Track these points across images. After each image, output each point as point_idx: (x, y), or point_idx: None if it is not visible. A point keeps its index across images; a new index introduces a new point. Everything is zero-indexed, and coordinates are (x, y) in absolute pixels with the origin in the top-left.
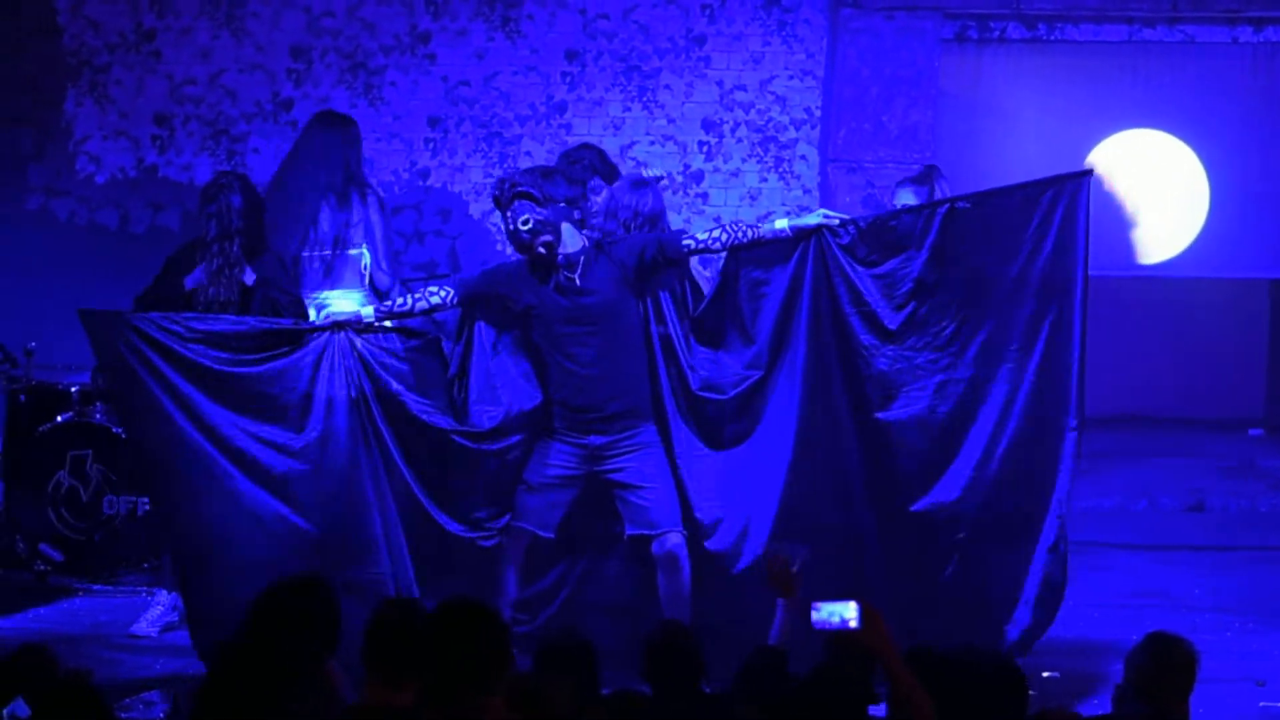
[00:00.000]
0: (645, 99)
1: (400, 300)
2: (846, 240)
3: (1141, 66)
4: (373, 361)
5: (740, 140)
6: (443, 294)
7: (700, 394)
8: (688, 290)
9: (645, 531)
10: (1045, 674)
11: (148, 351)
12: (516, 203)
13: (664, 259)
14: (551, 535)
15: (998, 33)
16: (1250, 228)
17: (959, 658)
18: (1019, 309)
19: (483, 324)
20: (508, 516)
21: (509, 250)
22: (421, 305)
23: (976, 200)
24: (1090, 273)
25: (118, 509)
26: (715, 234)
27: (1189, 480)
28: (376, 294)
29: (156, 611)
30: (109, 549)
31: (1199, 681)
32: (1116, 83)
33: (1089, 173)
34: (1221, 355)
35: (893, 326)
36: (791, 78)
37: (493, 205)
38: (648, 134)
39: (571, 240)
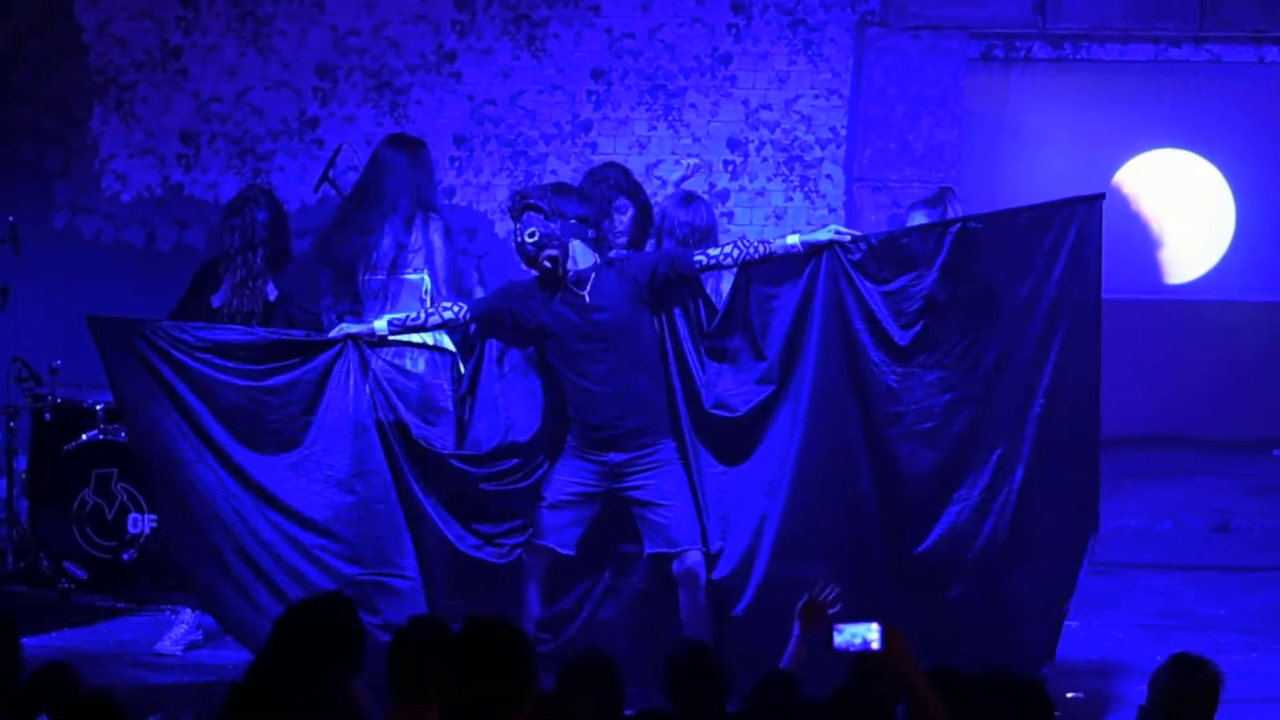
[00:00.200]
0: (671, 118)
1: (413, 314)
2: (858, 257)
3: (1167, 86)
4: (383, 379)
5: (765, 159)
6: (455, 310)
7: (713, 411)
8: (701, 307)
9: (665, 550)
10: (1070, 695)
11: (155, 360)
12: (525, 215)
13: (676, 275)
14: (572, 553)
15: (1023, 52)
16: (1278, 248)
17: (984, 680)
18: (1030, 329)
19: (494, 343)
20: (519, 534)
21: (524, 265)
22: (434, 320)
23: (988, 220)
24: (1117, 295)
25: (142, 527)
26: (727, 250)
27: (1215, 500)
28: None
29: (180, 630)
30: (134, 567)
31: (1223, 702)
32: (1142, 102)
33: (1101, 196)
34: (1247, 375)
35: (903, 344)
36: (817, 97)
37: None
38: (673, 153)
39: (583, 257)
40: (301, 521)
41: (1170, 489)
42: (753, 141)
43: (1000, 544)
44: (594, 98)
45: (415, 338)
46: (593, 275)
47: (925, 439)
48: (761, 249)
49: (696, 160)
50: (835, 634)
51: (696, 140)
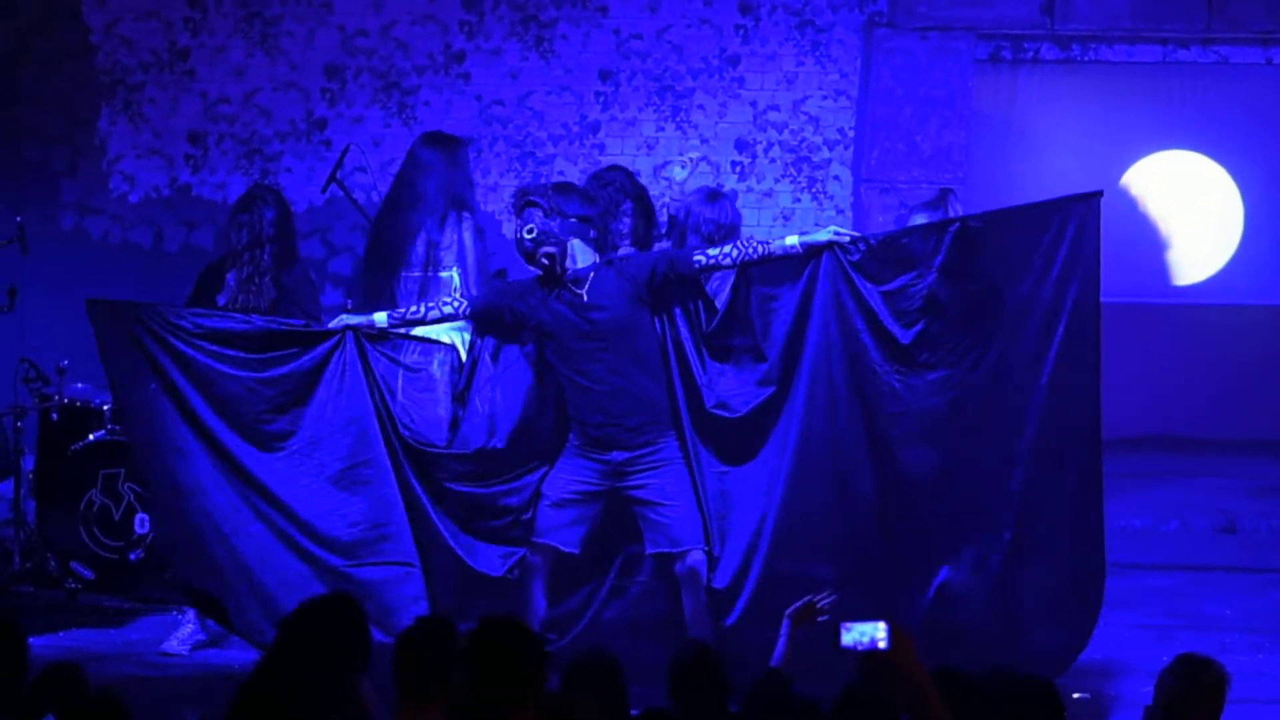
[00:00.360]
0: (679, 119)
1: (413, 308)
2: (857, 257)
3: (1175, 87)
4: (380, 372)
5: (773, 160)
6: (455, 304)
7: (714, 411)
8: (701, 307)
9: (667, 549)
10: (1075, 695)
11: (150, 345)
12: (525, 211)
13: (675, 275)
14: (575, 550)
15: (1032, 53)
16: None
17: (993, 681)
18: (1030, 327)
19: (492, 340)
20: (512, 543)
21: (524, 261)
22: (433, 314)
23: (987, 219)
24: (1126, 298)
25: (149, 527)
26: (726, 250)
27: (1220, 501)
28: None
29: (187, 630)
30: (141, 568)
31: (1229, 703)
32: (1150, 104)
33: (1099, 194)
34: (1254, 376)
35: (905, 343)
36: (825, 98)
37: None
38: (681, 154)
39: (583, 256)
40: (287, 513)
41: (1176, 489)
42: (760, 142)
43: (1004, 545)
44: (602, 98)
45: (416, 331)
46: (591, 274)
47: (928, 438)
48: (761, 249)
49: (696, 154)
50: (843, 632)
51: (704, 141)
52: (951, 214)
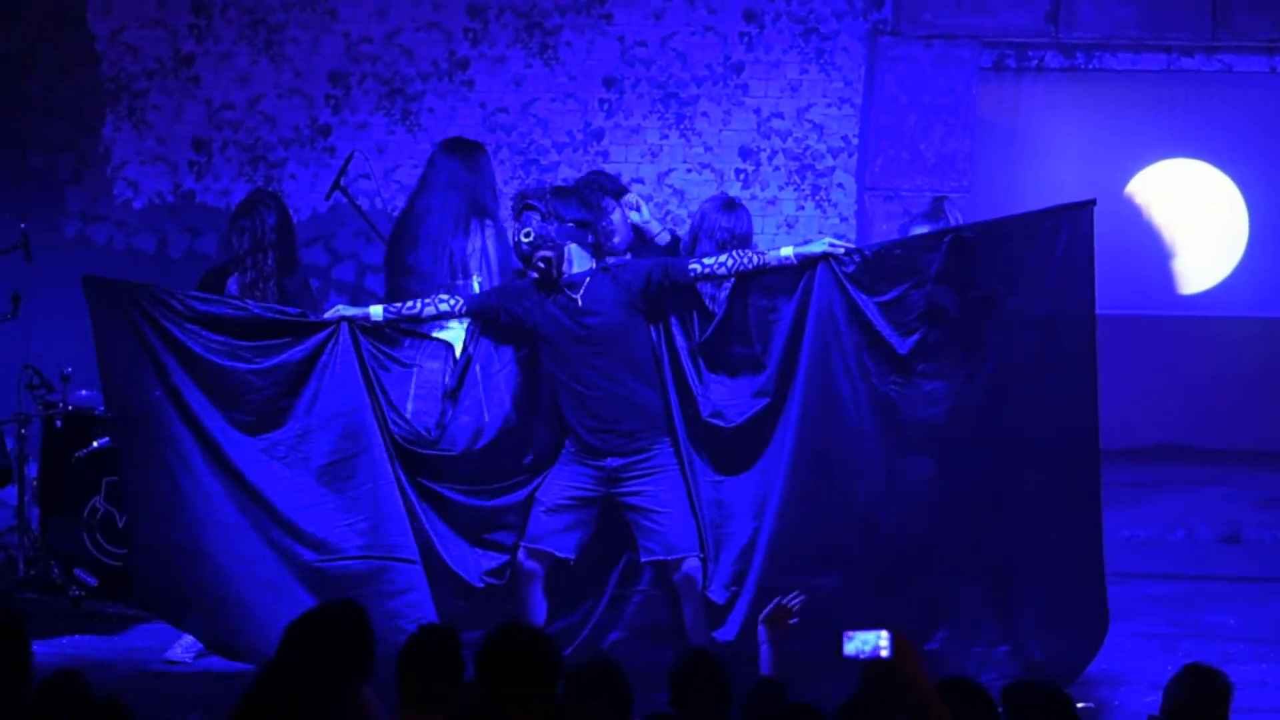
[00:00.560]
0: (683, 126)
1: (410, 304)
2: (852, 269)
3: (1179, 96)
4: (373, 366)
5: (777, 168)
6: (452, 303)
7: (710, 420)
8: (696, 316)
9: (662, 557)
10: (1080, 704)
11: (144, 327)
12: (523, 215)
13: (670, 283)
14: (570, 556)
15: (1036, 61)
16: None
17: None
18: (1026, 336)
19: (486, 341)
20: (495, 549)
21: (521, 265)
22: (429, 311)
23: (981, 229)
24: (1130, 310)
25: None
26: (722, 260)
27: (1225, 511)
28: None
29: (191, 638)
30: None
31: (1233, 713)
32: (1154, 112)
33: (1091, 203)
34: (1258, 387)
35: (902, 353)
36: (829, 106)
37: None
38: (685, 161)
39: (580, 261)
40: (264, 504)
41: (1180, 499)
42: (764, 150)
43: (1003, 554)
44: (606, 106)
45: (412, 327)
46: (587, 279)
47: (925, 448)
48: (756, 260)
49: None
50: (845, 641)
51: (708, 149)
52: (950, 221)
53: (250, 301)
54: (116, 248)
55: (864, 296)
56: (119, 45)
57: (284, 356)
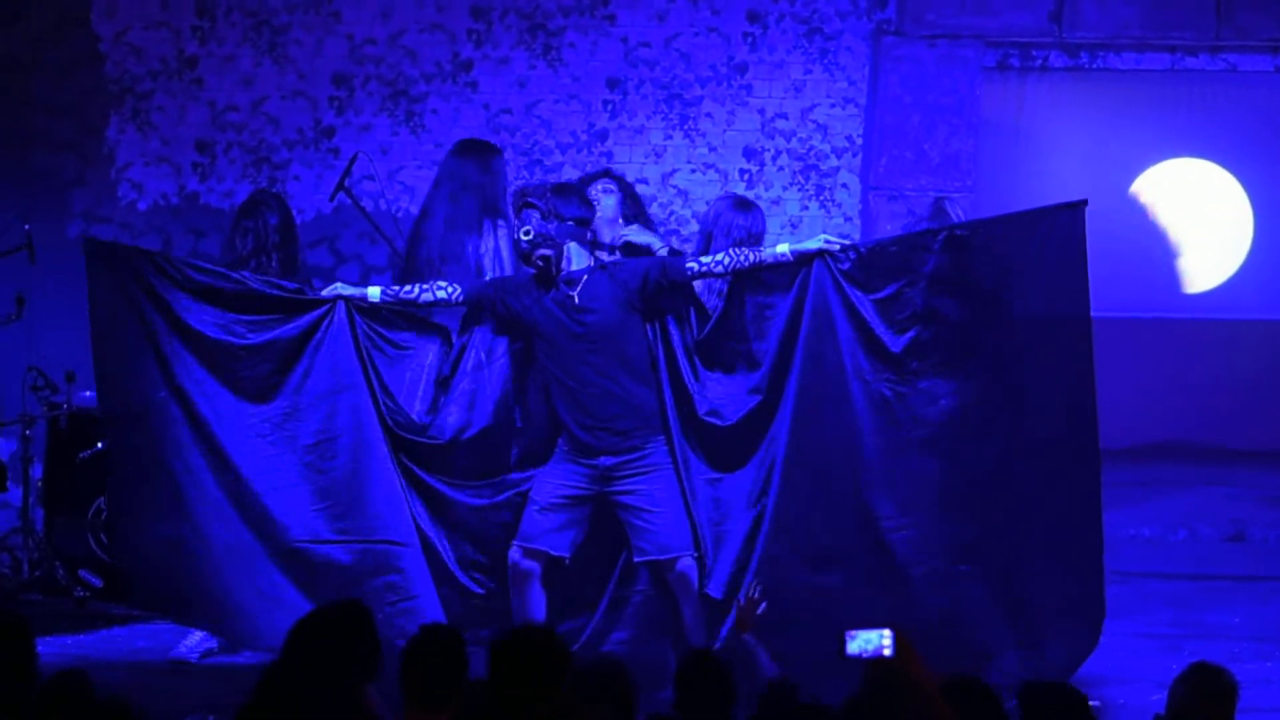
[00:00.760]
0: (687, 127)
1: (408, 288)
2: (847, 266)
3: (1184, 95)
4: (367, 347)
5: (781, 168)
6: (450, 290)
7: (706, 419)
8: (694, 314)
9: (656, 557)
10: None
11: (139, 295)
12: (523, 212)
13: (667, 281)
14: (565, 555)
15: (1040, 61)
16: None
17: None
18: (1020, 333)
19: (481, 332)
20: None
21: (520, 262)
22: (426, 297)
23: (974, 228)
24: (1135, 313)
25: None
26: (719, 258)
27: (1229, 510)
28: None
29: (196, 638)
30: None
31: (1239, 712)
32: (1159, 112)
33: (1083, 203)
34: (1263, 385)
35: (895, 351)
36: (833, 106)
37: None
38: (689, 162)
39: (578, 259)
40: (243, 482)
41: (1184, 498)
42: (769, 150)
43: (1001, 551)
44: (610, 107)
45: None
46: (585, 277)
47: (920, 447)
48: (752, 257)
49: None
50: (848, 640)
51: (712, 149)
52: (954, 219)
53: (248, 274)
54: None
55: (859, 293)
56: (123, 46)
57: (277, 332)
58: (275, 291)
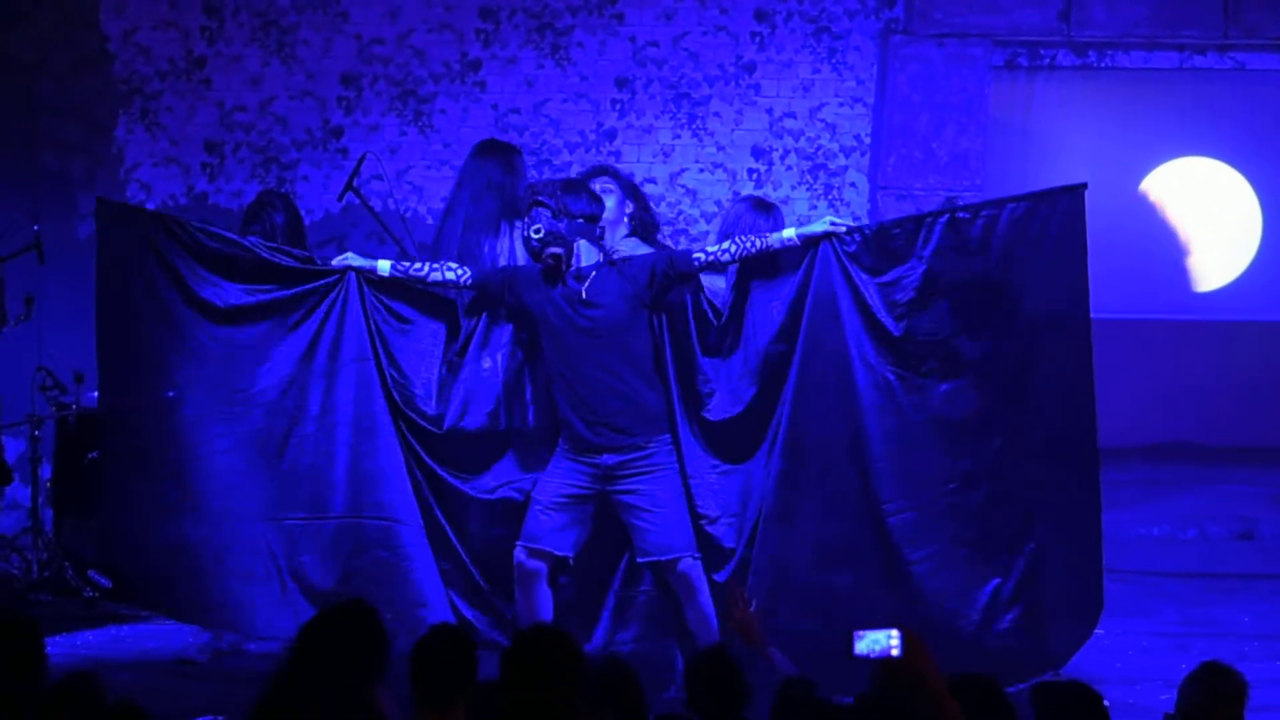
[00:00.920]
0: (695, 126)
1: (418, 265)
2: (853, 248)
3: (1192, 94)
4: (375, 319)
5: (790, 167)
6: (459, 272)
7: (712, 408)
8: (705, 303)
9: (656, 558)
10: None
11: (148, 258)
12: (533, 210)
13: (675, 274)
14: (569, 554)
15: (1048, 60)
16: None
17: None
18: (1020, 317)
19: (487, 318)
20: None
21: (530, 258)
22: (435, 276)
23: (975, 210)
24: (1145, 315)
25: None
26: (725, 246)
27: (1239, 508)
28: None
29: (205, 638)
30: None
31: (1248, 711)
32: (1167, 110)
33: (1083, 186)
34: (1272, 383)
35: (897, 334)
36: (841, 105)
37: None
38: (697, 161)
39: (587, 255)
40: (236, 452)
41: (1194, 497)
42: (777, 150)
43: (1000, 537)
44: (618, 106)
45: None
46: (594, 273)
47: (924, 429)
48: (759, 244)
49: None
50: (855, 640)
51: (721, 149)
52: None
53: (257, 240)
54: None
55: (864, 276)
56: (131, 47)
57: (285, 301)
58: (285, 260)
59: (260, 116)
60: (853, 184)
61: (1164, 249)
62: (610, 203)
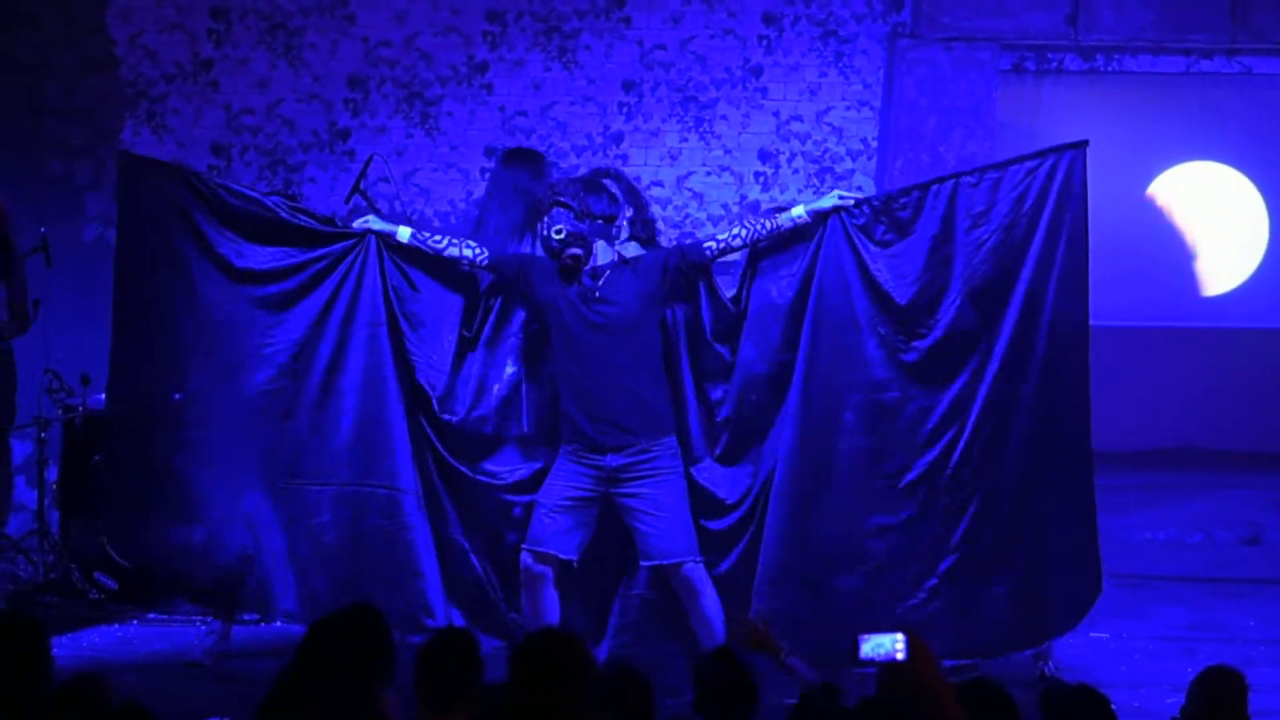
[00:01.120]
0: (702, 129)
1: (437, 238)
2: (862, 220)
3: (1199, 98)
4: (394, 284)
5: (797, 171)
6: (477, 250)
7: (722, 398)
8: (720, 288)
9: (659, 561)
10: None
11: (169, 214)
12: (555, 210)
13: (687, 265)
14: (574, 558)
15: (1055, 64)
16: None
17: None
18: (1024, 276)
19: (500, 301)
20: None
21: (546, 255)
22: (452, 251)
23: (981, 174)
24: (1154, 322)
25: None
26: (735, 231)
27: (1245, 513)
28: None
29: (211, 641)
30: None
31: (1254, 715)
32: (1174, 114)
33: (1085, 143)
34: (1278, 388)
35: (904, 304)
36: (848, 108)
37: None
38: (704, 164)
39: (604, 253)
40: (251, 415)
41: (1200, 502)
42: (784, 153)
43: (1003, 504)
44: (625, 109)
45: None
46: (609, 271)
47: (933, 398)
48: (769, 225)
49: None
50: (861, 643)
51: (728, 152)
52: None
53: (279, 200)
54: None
55: (872, 248)
56: (138, 50)
57: (304, 262)
58: (306, 221)
59: (267, 119)
60: (859, 188)
61: (1171, 253)
62: None
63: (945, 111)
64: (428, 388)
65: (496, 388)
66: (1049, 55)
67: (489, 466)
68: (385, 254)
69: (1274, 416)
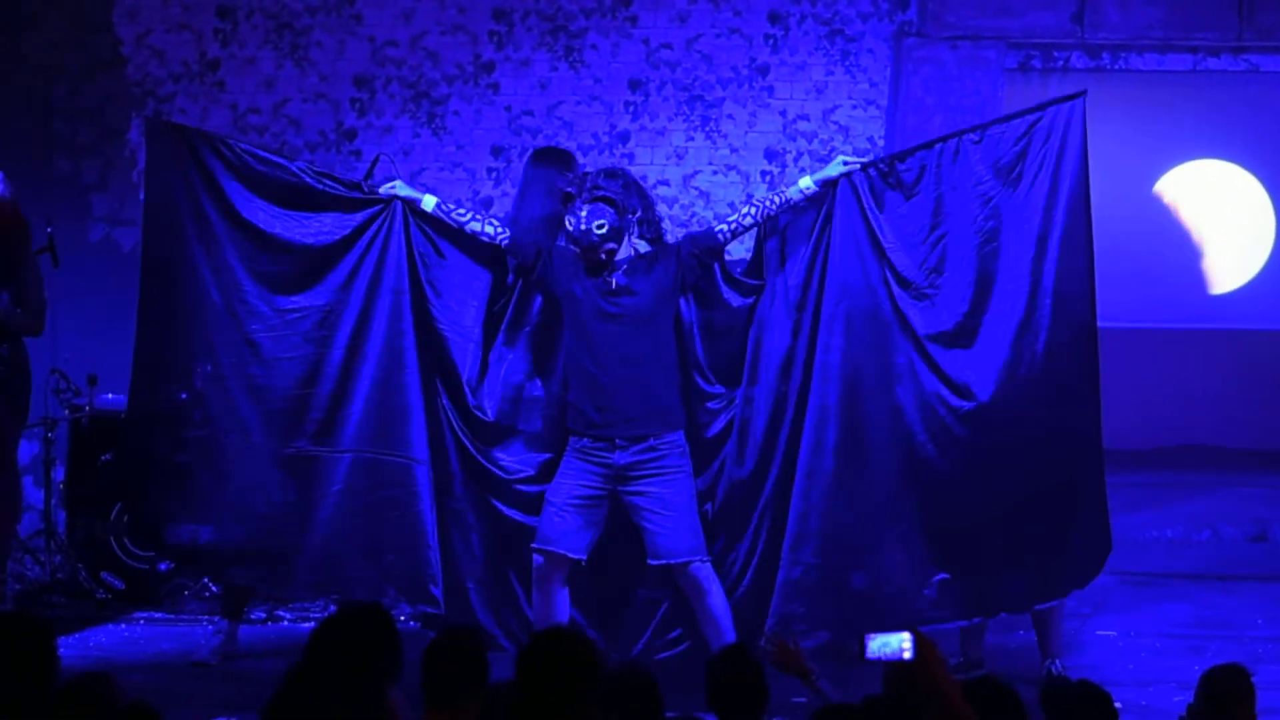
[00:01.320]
0: (708, 129)
1: (461, 211)
2: (867, 185)
3: (1206, 96)
4: (422, 252)
5: (803, 170)
6: (498, 229)
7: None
8: (734, 270)
9: (666, 561)
10: None
11: (195, 178)
12: (597, 204)
13: (700, 250)
14: (583, 558)
15: (1061, 62)
16: None
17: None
18: (1029, 231)
19: (522, 284)
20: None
21: (576, 245)
22: (474, 226)
23: (982, 130)
24: (1161, 324)
25: (179, 538)
26: (745, 211)
27: (1252, 510)
28: None
29: (219, 640)
30: (171, 577)
31: (1262, 714)
32: (1181, 113)
33: (1082, 93)
34: None
35: (915, 264)
36: (855, 107)
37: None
38: (710, 164)
39: (624, 247)
40: (272, 381)
41: (1207, 499)
42: (790, 152)
43: (1017, 463)
44: (631, 108)
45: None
46: (626, 263)
47: (946, 356)
48: (779, 200)
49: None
50: (868, 642)
51: (734, 151)
52: None
53: (304, 165)
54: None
55: (879, 213)
56: (145, 49)
57: (330, 226)
58: (332, 187)
59: (274, 119)
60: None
61: (1178, 252)
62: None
63: (951, 110)
64: (451, 359)
65: (519, 368)
66: (1055, 54)
67: (499, 454)
68: (411, 220)
69: None
